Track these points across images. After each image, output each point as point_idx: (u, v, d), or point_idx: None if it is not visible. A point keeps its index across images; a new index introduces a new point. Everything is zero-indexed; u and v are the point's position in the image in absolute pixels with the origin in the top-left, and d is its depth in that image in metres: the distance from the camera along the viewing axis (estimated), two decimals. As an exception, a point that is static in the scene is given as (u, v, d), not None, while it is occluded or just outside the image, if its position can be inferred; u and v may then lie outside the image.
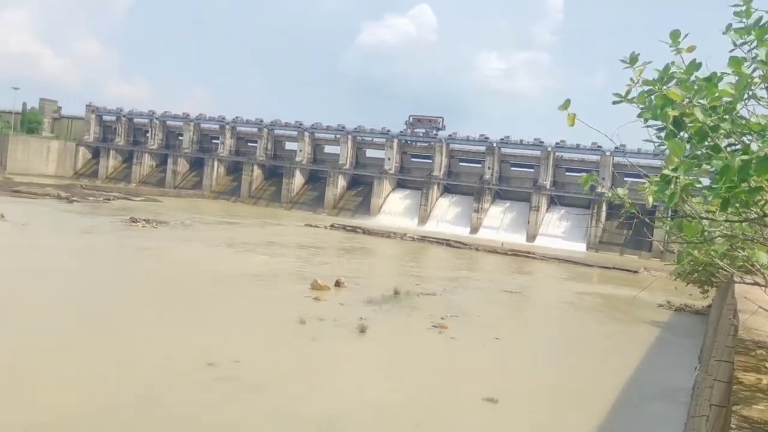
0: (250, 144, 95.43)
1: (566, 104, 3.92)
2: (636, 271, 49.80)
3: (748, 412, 3.45)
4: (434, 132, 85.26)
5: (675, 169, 3.42)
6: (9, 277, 23.56)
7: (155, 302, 21.64)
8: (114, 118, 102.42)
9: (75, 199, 60.31)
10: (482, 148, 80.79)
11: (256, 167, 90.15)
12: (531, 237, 71.99)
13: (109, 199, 65.92)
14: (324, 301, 24.46)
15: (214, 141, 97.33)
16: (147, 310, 20.49)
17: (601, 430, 13.34)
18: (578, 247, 68.28)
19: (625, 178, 56.48)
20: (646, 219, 5.26)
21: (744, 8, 3.49)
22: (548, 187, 75.19)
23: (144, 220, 46.75)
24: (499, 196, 78.86)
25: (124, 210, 55.27)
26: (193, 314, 20.48)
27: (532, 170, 78.96)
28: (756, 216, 3.75)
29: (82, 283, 24.38)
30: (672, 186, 3.43)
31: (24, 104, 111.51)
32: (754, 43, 3.45)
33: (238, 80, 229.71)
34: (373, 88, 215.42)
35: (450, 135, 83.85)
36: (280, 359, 16.16)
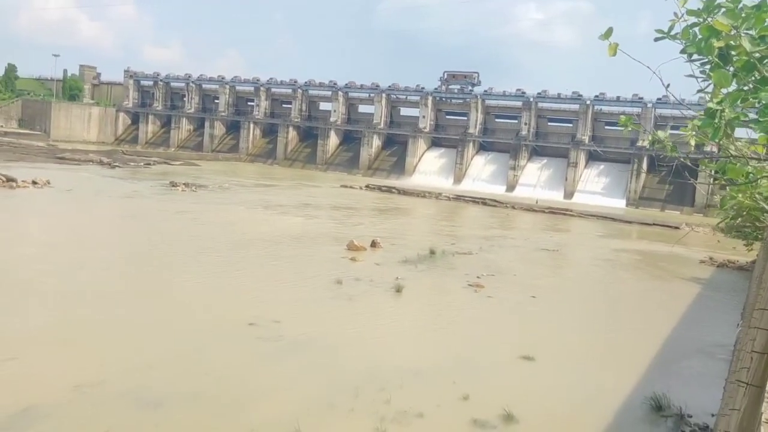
0: (284, 105, 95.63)
1: (608, 33, 3.74)
2: (677, 227, 48.91)
3: None
4: (469, 88, 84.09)
5: (720, 102, 3.31)
6: (59, 242, 24.38)
7: (195, 263, 22.15)
8: (151, 82, 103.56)
9: (116, 164, 61.57)
10: (519, 104, 79.47)
11: (291, 129, 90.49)
12: (569, 194, 71.11)
13: (149, 164, 67.12)
14: (360, 262, 24.70)
15: (249, 104, 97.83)
16: (187, 271, 21.01)
17: (639, 386, 13.33)
18: (618, 204, 67.34)
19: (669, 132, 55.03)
20: (689, 164, 5.13)
21: None
22: (587, 142, 73.84)
23: (183, 183, 47.54)
24: (536, 152, 77.80)
25: (164, 174, 56.26)
26: (232, 275, 20.93)
27: (571, 125, 77.51)
28: None
29: (127, 246, 25.08)
30: (717, 120, 3.31)
31: (65, 71, 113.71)
32: None
33: (272, 41, 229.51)
34: (407, 44, 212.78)
35: (485, 90, 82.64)
36: (319, 319, 16.47)
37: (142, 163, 66.87)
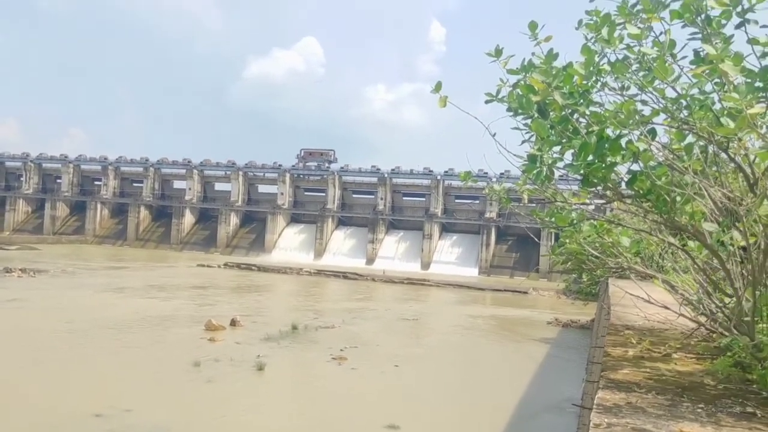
0: (135, 184, 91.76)
1: (438, 86, 4.06)
2: (525, 292, 51.97)
3: (614, 375, 3.89)
4: (326, 165, 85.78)
5: (539, 149, 3.75)
6: None
7: (34, 355, 20.17)
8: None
9: (-62, 251, 55.46)
10: (374, 179, 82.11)
11: (143, 208, 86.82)
12: (426, 265, 73.58)
13: (-22, 250, 61.08)
14: (219, 342, 23.76)
15: (96, 183, 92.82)
16: (25, 365, 19.07)
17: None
18: (471, 272, 70.55)
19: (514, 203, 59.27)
20: (521, 212, 5.62)
21: (594, 7, 3.83)
22: (439, 215, 77.37)
23: (20, 269, 43.66)
24: (393, 226, 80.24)
25: (-3, 260, 51.33)
26: (76, 365, 19.27)
27: (424, 199, 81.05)
28: (611, 193, 4.13)
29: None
30: (538, 164, 3.74)
31: None
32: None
33: (118, 118, 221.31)
34: (263, 122, 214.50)
35: (342, 167, 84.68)
36: (175, 404, 15.52)
37: (-30, 249, 60.77)
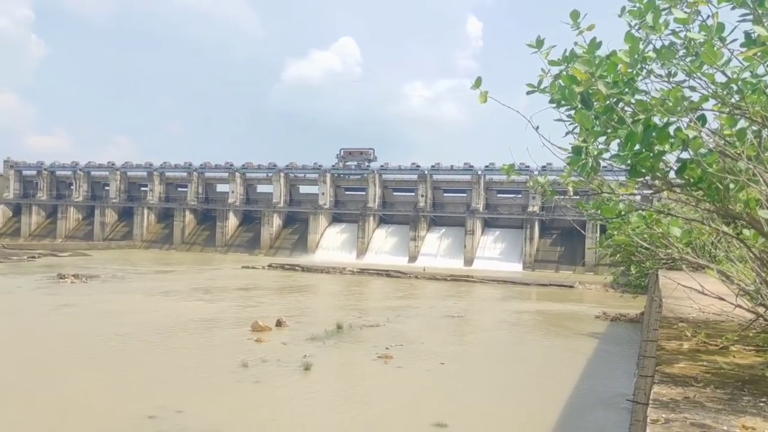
0: (180, 189, 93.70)
1: (478, 82, 4.00)
2: (571, 286, 51.19)
3: (670, 369, 3.78)
4: (366, 164, 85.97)
5: (584, 140, 3.67)
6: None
7: (90, 357, 20.78)
8: (35, 172, 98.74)
9: (-4, 259, 57.58)
10: (414, 177, 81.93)
11: (188, 212, 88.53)
12: (468, 261, 73.11)
13: (34, 257, 63.23)
14: (266, 342, 24.07)
15: (142, 189, 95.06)
16: (81, 365, 19.66)
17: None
18: (515, 267, 69.79)
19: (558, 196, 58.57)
20: (567, 204, 5.53)
21: None
22: (481, 210, 76.75)
23: (73, 275, 45.00)
24: (435, 222, 79.97)
25: (51, 267, 53.04)
26: (128, 367, 19.77)
27: (465, 195, 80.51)
28: (660, 183, 4.02)
29: (15, 346, 23.19)
30: (583, 155, 3.66)
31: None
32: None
33: (162, 126, 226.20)
34: (303, 123, 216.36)
35: (382, 165, 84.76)
36: (225, 405, 15.78)
37: (25, 257, 62.87)
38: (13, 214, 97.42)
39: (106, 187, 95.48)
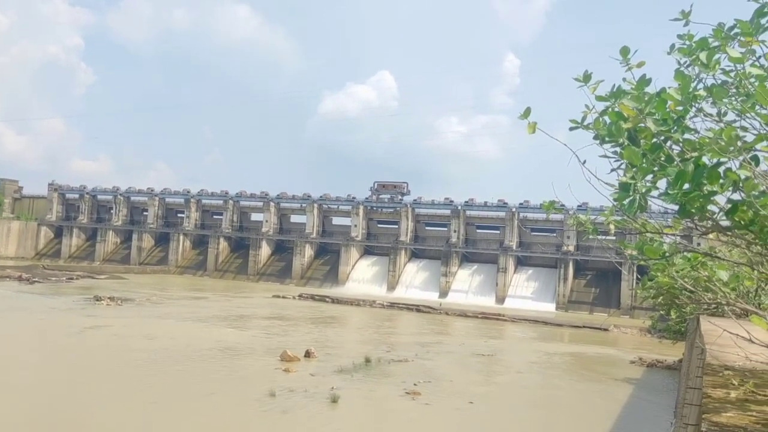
0: (215, 216, 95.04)
1: (527, 113, 3.94)
2: (606, 329, 50.05)
3: (718, 419, 3.63)
4: (399, 197, 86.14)
5: (632, 177, 3.58)
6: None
7: (120, 381, 20.92)
8: (77, 195, 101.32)
9: (36, 279, 58.85)
10: (447, 212, 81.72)
11: (222, 240, 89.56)
12: (500, 299, 72.10)
13: (72, 278, 64.46)
14: (294, 372, 23.97)
15: (179, 215, 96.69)
16: (109, 391, 19.78)
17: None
18: (548, 307, 68.60)
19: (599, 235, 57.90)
20: (608, 244, 5.40)
21: (687, 31, 3.69)
22: (514, 248, 75.96)
23: (108, 297, 45.71)
24: (467, 258, 79.34)
25: (88, 289, 54.00)
26: (158, 392, 19.83)
27: (498, 232, 79.84)
28: (709, 224, 3.89)
29: (40, 364, 23.53)
30: (631, 192, 3.56)
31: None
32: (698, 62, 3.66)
33: (201, 154, 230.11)
34: (338, 155, 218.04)
35: (415, 200, 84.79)
36: (251, 434, 15.68)
37: (64, 278, 64.13)
38: (55, 235, 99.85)
39: (145, 212, 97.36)
